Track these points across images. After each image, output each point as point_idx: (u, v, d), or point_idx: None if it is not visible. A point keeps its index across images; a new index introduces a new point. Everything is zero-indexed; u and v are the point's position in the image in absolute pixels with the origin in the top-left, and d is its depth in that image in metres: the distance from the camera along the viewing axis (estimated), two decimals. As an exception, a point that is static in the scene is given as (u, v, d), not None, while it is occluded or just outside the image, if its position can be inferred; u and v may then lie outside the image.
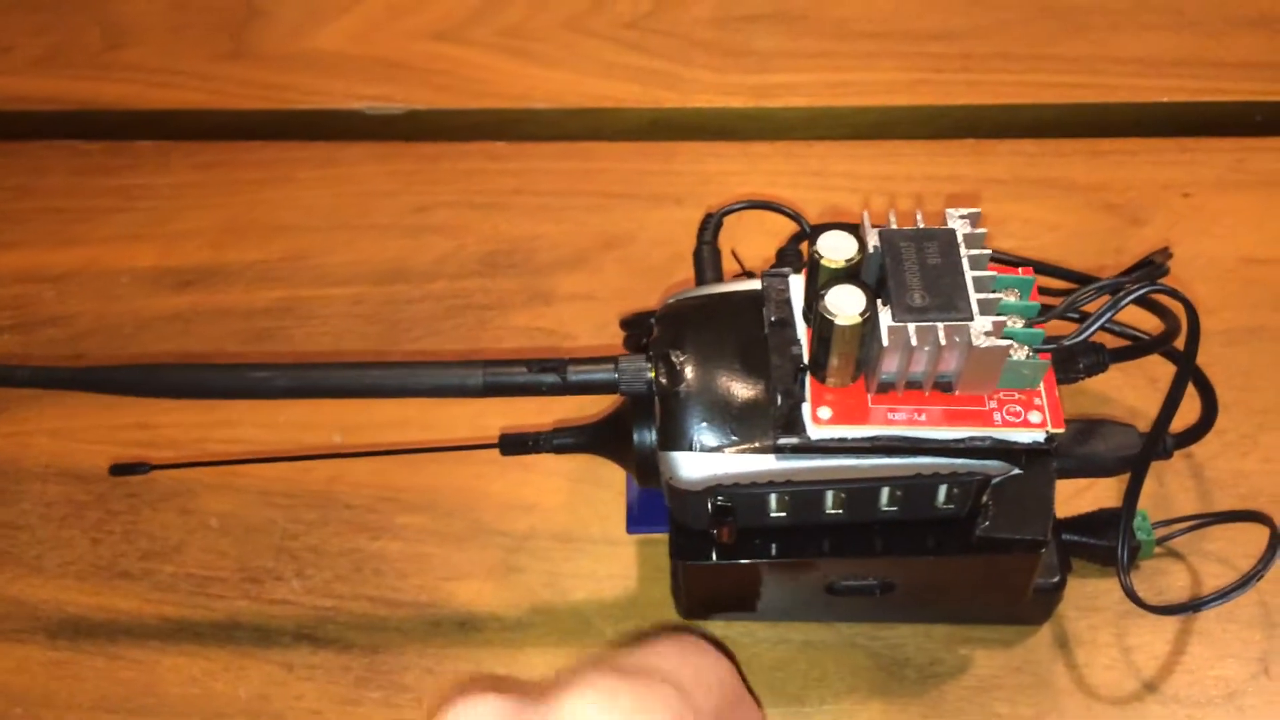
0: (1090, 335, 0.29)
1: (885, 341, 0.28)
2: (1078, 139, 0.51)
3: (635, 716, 0.26)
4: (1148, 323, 0.38)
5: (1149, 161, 0.50)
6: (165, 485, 0.44)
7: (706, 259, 0.39)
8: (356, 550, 0.42)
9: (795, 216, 0.39)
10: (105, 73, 0.58)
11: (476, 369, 0.32)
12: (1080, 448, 0.37)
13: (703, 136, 0.53)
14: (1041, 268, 0.38)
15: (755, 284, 0.33)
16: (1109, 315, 0.29)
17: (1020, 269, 0.31)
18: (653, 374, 0.32)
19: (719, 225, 0.40)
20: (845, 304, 0.28)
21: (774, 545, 0.34)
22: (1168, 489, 0.41)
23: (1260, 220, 0.48)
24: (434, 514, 0.42)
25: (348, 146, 0.54)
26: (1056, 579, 0.36)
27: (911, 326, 0.28)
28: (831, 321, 0.28)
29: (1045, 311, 0.30)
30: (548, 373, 0.32)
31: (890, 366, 0.29)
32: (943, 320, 0.28)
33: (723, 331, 0.32)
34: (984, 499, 0.32)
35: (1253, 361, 0.44)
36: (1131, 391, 0.43)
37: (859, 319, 0.28)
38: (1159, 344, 0.36)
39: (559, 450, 0.36)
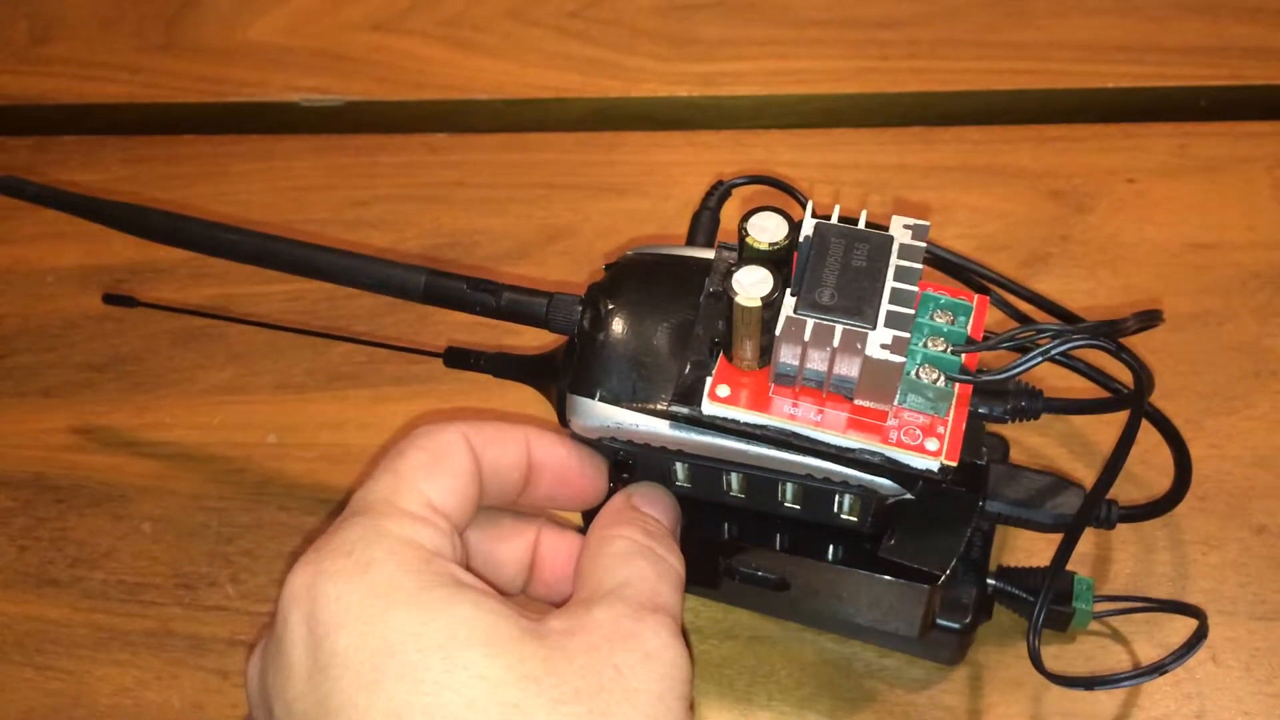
0: (1012, 377, 0.28)
1: (778, 331, 0.28)
2: (1024, 125, 0.51)
3: None
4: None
5: (1094, 147, 0.50)
6: (95, 490, 0.43)
7: (702, 223, 0.38)
8: (294, 554, 0.41)
9: (799, 197, 0.38)
10: (32, 66, 0.56)
11: (420, 274, 0.32)
12: (1020, 498, 0.35)
13: (647, 126, 0.53)
14: (1016, 290, 0.38)
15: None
16: (1033, 362, 0.28)
17: (978, 296, 0.31)
18: (580, 316, 0.32)
19: (726, 194, 0.38)
20: (751, 285, 0.28)
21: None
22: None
23: (1204, 205, 0.48)
24: (373, 515, 0.41)
25: (284, 140, 0.53)
26: (966, 621, 0.35)
27: (810, 322, 0.28)
28: (731, 299, 0.28)
29: (978, 341, 0.30)
30: (484, 292, 0.32)
31: (786, 358, 0.29)
32: (842, 322, 0.28)
33: (663, 292, 0.32)
34: (893, 519, 0.32)
35: (1197, 347, 0.44)
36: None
37: (758, 302, 0.28)
38: (1103, 408, 0.35)
39: (499, 372, 0.36)
